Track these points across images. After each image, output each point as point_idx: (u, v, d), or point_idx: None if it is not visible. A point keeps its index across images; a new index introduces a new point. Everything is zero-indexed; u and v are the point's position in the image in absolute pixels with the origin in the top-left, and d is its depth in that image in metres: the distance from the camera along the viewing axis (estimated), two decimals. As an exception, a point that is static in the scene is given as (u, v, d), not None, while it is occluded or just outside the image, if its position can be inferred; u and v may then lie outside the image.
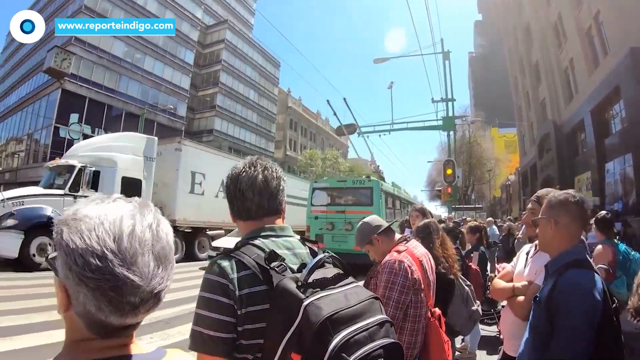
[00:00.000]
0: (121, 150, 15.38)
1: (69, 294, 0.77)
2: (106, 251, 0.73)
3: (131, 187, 14.66)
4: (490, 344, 5.81)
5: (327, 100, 20.60)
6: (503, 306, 2.99)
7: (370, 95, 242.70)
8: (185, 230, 17.60)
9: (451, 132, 22.25)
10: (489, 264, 7.70)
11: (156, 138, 17.36)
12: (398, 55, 25.37)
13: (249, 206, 1.55)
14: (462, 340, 6.06)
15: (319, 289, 1.24)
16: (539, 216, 2.23)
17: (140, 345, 0.87)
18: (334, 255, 1.46)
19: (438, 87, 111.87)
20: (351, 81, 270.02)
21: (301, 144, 72.51)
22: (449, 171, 17.79)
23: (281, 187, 1.60)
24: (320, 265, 1.35)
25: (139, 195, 14.23)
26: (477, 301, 3.96)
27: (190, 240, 18.15)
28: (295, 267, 1.38)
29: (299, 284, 1.24)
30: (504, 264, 3.25)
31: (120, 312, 0.76)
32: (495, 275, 3.06)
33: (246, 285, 1.32)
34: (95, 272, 0.72)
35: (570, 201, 2.09)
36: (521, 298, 2.52)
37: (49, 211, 12.62)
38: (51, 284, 0.92)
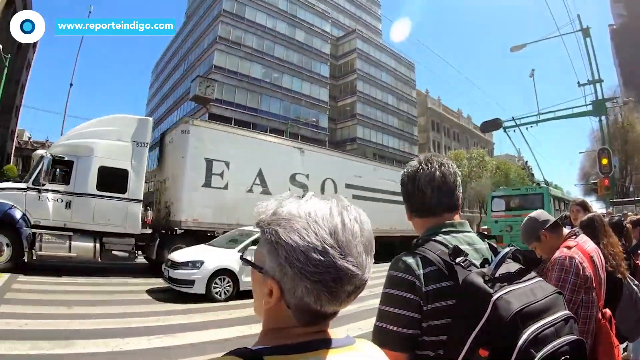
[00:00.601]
0: (103, 135, 12.54)
1: (282, 288, 0.79)
2: (326, 246, 0.76)
3: (114, 179, 12.29)
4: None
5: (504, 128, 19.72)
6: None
7: (508, 86, 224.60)
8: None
9: (603, 117, 19.96)
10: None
11: (150, 119, 14.29)
12: (535, 40, 22.04)
13: (429, 203, 1.52)
14: (625, 349, 5.15)
15: (505, 284, 1.20)
16: None
17: (332, 331, 0.87)
18: (519, 248, 1.43)
19: (581, 69, 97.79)
20: (484, 72, 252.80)
21: (445, 145, 68.42)
22: (604, 161, 16.55)
23: (458, 183, 1.55)
24: (502, 260, 1.31)
25: (125, 188, 12.47)
26: None
27: None
28: (477, 263, 1.34)
29: (486, 278, 1.21)
30: None
31: (335, 301, 0.78)
32: None
33: (432, 281, 1.31)
34: (318, 267, 0.75)
35: None
36: None
37: (6, 207, 10.89)
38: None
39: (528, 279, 1.27)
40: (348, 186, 17.98)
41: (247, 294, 8.80)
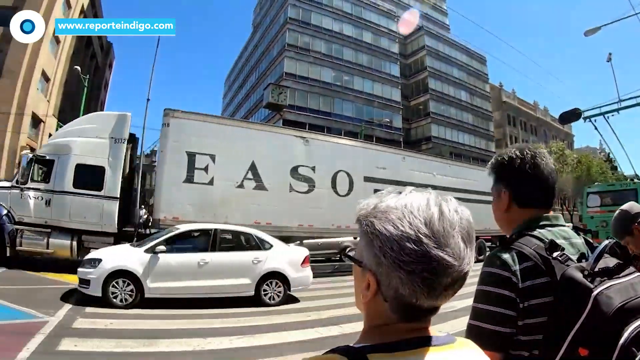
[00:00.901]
0: (82, 133, 12.22)
1: (379, 280, 0.78)
2: (420, 235, 0.74)
3: (90, 176, 11.86)
4: None
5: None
6: None
7: (584, 75, 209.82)
8: None
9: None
10: None
11: (129, 113, 13.00)
12: (610, 22, 19.68)
13: (525, 193, 1.48)
14: None
15: (605, 278, 1.15)
16: None
17: (432, 329, 0.86)
18: (618, 242, 1.43)
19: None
20: (558, 61, 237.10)
21: (522, 139, 64.16)
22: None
23: (554, 174, 1.51)
24: (601, 254, 1.26)
25: (101, 185, 11.95)
26: None
27: None
28: (574, 258, 1.27)
29: (586, 273, 1.16)
30: None
31: (432, 294, 0.76)
32: None
33: (529, 277, 1.26)
34: (411, 256, 0.74)
35: None
36: None
37: None
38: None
39: (628, 274, 1.19)
40: (368, 179, 15.36)
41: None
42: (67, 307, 7.70)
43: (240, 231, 9.67)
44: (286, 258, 9.33)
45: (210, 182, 12.70)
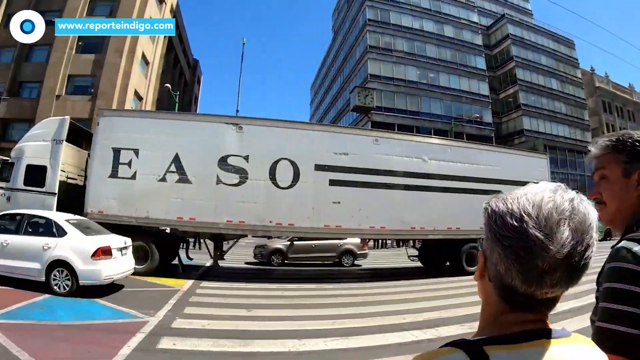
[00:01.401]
0: (34, 137, 13.22)
1: (486, 256, 0.82)
2: (523, 214, 0.76)
3: (36, 175, 12.52)
4: None
5: None
6: None
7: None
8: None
9: None
10: None
11: (67, 117, 13.30)
12: None
13: None
14: None
15: None
16: None
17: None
18: None
19: None
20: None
21: (620, 127, 56.30)
22: None
23: None
24: None
25: (44, 183, 12.48)
26: None
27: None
28: None
29: None
30: None
31: (526, 276, 0.76)
32: None
33: None
34: (510, 231, 0.76)
35: None
36: None
37: None
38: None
39: None
40: (320, 168, 12.75)
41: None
42: (167, 308, 8.00)
43: (42, 216, 9.54)
44: (75, 248, 8.69)
45: (133, 177, 12.30)
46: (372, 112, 38.79)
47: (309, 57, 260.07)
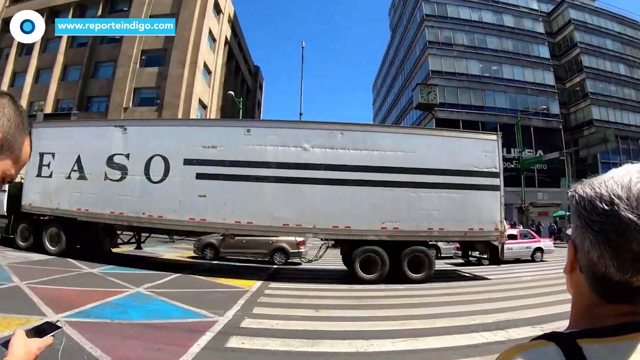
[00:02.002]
0: None
1: (576, 247, 0.77)
2: (613, 197, 0.73)
3: None
4: None
5: None
6: None
7: None
8: (42, 218, 14.40)
9: None
10: None
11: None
12: None
13: None
14: None
15: None
16: None
17: None
18: None
19: None
20: None
21: None
22: None
23: None
24: None
25: None
26: None
27: (40, 230, 14.28)
28: None
29: None
30: None
31: (619, 262, 0.71)
32: None
33: None
34: (601, 215, 0.72)
35: None
36: None
37: None
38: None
39: None
40: (189, 162, 12.60)
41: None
42: (236, 308, 7.95)
43: None
44: None
45: (50, 175, 13.96)
46: (435, 109, 36.69)
47: (368, 56, 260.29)
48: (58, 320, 1.23)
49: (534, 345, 0.72)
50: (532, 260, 18.01)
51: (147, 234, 16.05)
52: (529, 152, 36.20)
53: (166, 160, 12.90)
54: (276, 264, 16.12)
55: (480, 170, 12.23)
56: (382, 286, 11.27)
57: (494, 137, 12.96)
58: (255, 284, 10.75)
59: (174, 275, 11.41)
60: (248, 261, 16.52)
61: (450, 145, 12.61)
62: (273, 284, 11.05)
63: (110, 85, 33.28)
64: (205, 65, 35.01)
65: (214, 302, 8.34)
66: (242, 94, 42.44)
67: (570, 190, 0.80)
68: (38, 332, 1.04)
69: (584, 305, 0.78)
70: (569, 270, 0.80)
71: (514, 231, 18.64)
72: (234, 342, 5.83)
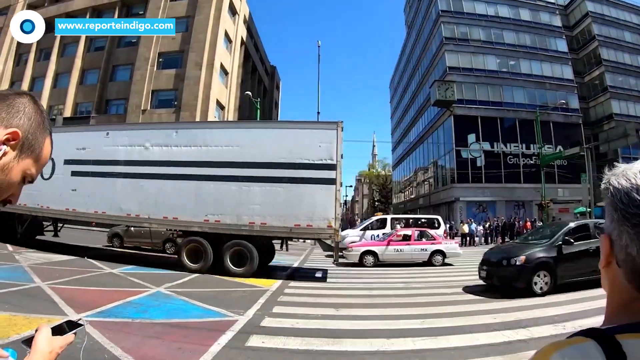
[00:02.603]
0: None
1: (612, 241, 0.74)
2: None
3: None
4: None
5: None
6: None
7: None
8: None
9: None
10: None
11: None
12: None
13: None
14: None
15: None
16: None
17: None
18: None
19: None
20: None
21: None
22: None
23: None
24: None
25: None
26: None
27: None
28: None
29: None
30: None
31: None
32: None
33: None
34: (639, 207, 0.70)
35: None
36: None
37: None
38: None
39: None
40: (67, 162, 13.91)
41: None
42: (256, 307, 7.86)
43: None
44: None
45: None
46: (453, 105, 35.93)
47: (384, 54, 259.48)
48: (80, 319, 1.22)
49: (572, 342, 0.69)
50: (431, 264, 15.95)
51: (61, 224, 16.95)
52: (548, 147, 35.20)
53: (53, 161, 13.67)
54: (168, 253, 16.79)
55: (312, 162, 11.53)
56: (401, 284, 11.34)
57: (333, 126, 11.94)
58: (275, 283, 10.71)
59: (194, 275, 11.35)
60: (147, 250, 17.35)
61: (284, 138, 12.17)
62: (293, 283, 11.02)
63: (128, 87, 33.22)
64: (222, 67, 34.79)
65: (234, 302, 8.30)
66: (259, 94, 42.19)
67: (604, 182, 0.76)
68: (60, 330, 1.02)
69: (621, 300, 0.74)
70: (605, 264, 0.76)
71: (407, 231, 16.96)
72: (255, 341, 5.78)
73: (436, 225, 19.25)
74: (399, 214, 45.38)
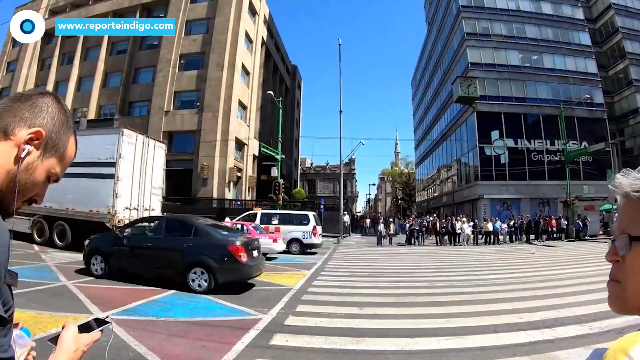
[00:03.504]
0: None
1: None
2: None
3: None
4: None
5: None
6: None
7: None
8: None
9: None
10: None
11: None
12: None
13: None
14: None
15: None
16: None
17: None
18: None
19: None
20: None
21: None
22: None
23: None
24: None
25: None
26: None
27: None
28: None
29: None
30: None
31: None
32: None
33: None
34: None
35: None
36: None
37: None
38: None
39: None
40: None
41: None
42: (280, 306, 7.80)
43: None
44: None
45: None
46: (476, 102, 34.92)
47: (406, 51, 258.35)
48: (107, 316, 1.21)
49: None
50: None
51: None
52: (573, 143, 34.20)
53: None
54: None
55: (101, 161, 13.96)
56: (425, 283, 11.36)
57: (117, 131, 14.63)
58: (299, 282, 10.72)
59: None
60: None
61: (91, 141, 13.98)
62: (316, 282, 11.01)
63: (151, 89, 33.10)
64: (244, 67, 34.49)
65: (258, 300, 8.27)
66: (281, 94, 41.89)
67: (634, 189, 0.74)
68: (87, 327, 1.02)
69: None
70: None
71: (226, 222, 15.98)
72: (278, 339, 5.75)
73: (305, 222, 19.09)
74: (422, 212, 44.86)
